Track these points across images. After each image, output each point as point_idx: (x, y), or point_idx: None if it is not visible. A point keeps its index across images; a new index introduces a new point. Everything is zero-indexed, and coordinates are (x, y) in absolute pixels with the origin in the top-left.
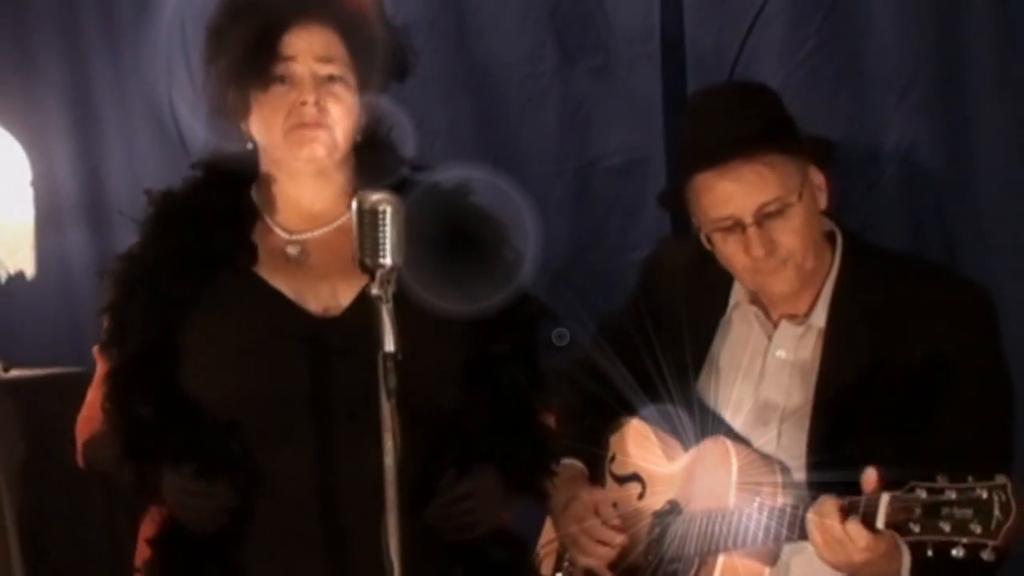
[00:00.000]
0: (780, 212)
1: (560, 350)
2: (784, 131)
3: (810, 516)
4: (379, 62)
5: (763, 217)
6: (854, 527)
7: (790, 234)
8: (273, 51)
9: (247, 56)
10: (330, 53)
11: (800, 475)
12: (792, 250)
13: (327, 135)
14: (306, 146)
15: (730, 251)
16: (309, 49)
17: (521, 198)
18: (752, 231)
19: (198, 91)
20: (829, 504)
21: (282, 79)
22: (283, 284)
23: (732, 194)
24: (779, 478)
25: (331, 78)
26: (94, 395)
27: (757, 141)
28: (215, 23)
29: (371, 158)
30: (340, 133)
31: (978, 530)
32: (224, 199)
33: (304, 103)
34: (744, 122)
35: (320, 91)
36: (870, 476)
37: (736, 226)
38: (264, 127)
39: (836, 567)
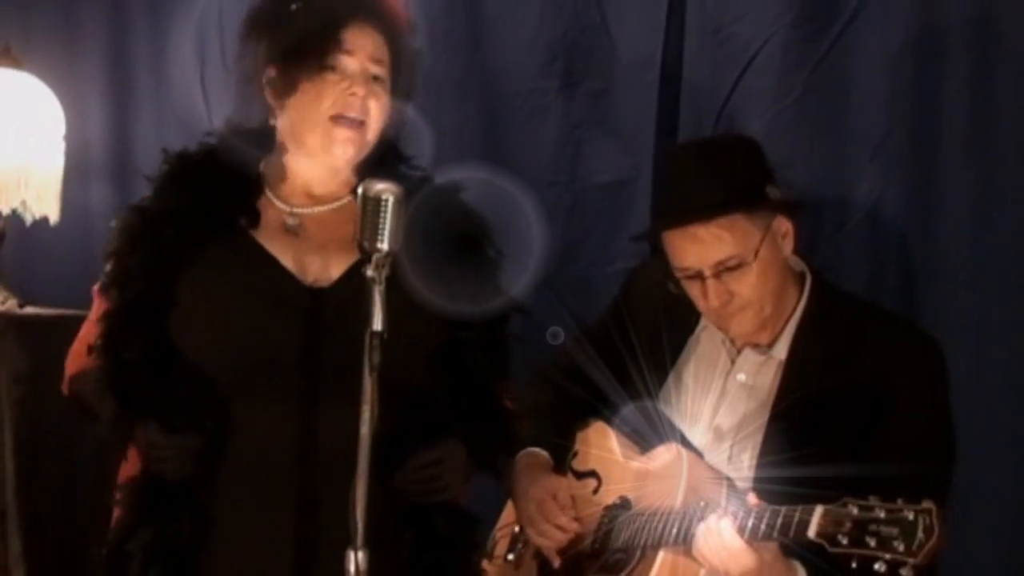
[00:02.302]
0: (737, 267)
1: (552, 347)
2: (750, 194)
3: (708, 520)
4: (410, 74)
5: (721, 271)
6: (727, 529)
7: (746, 286)
8: (336, 42)
9: (309, 42)
10: (381, 55)
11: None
12: (749, 299)
13: (361, 137)
14: (342, 145)
15: (694, 294)
16: (364, 48)
17: (527, 202)
18: (710, 283)
19: (228, 69)
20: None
21: (334, 68)
22: (278, 252)
23: (689, 251)
24: (725, 488)
25: (377, 78)
26: (87, 331)
27: (718, 208)
28: (266, 4)
29: (376, 154)
30: (372, 134)
31: (901, 548)
32: (234, 167)
33: (353, 95)
34: (709, 189)
35: (367, 88)
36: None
37: (697, 276)
38: (307, 110)
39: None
